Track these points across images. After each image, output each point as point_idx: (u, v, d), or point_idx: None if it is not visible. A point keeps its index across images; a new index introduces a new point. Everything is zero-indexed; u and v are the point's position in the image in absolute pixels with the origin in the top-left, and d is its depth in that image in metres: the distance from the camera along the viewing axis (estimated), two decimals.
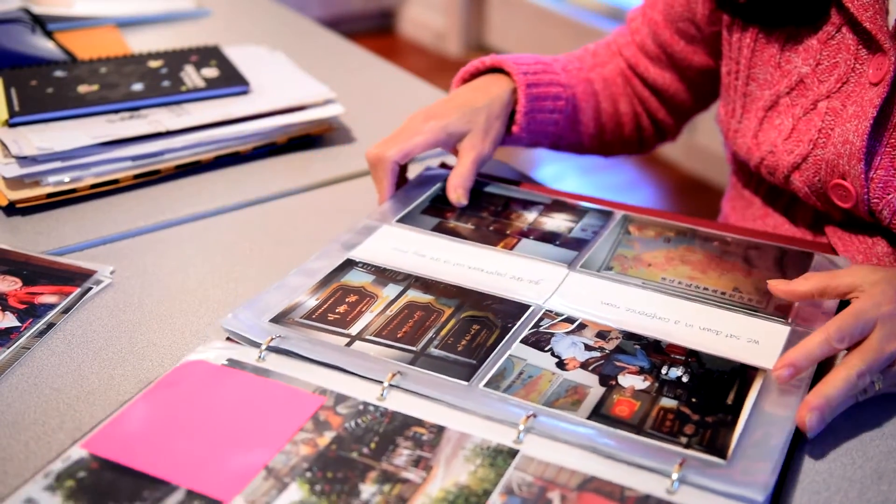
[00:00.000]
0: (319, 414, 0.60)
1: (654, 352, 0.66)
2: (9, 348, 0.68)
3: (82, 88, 1.00)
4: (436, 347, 0.66)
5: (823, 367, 0.63)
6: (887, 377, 0.62)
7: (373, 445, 0.58)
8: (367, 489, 0.55)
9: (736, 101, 0.87)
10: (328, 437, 0.59)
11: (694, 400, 0.61)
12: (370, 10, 3.75)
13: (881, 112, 0.73)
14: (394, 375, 0.63)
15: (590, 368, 0.64)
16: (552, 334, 0.68)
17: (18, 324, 0.71)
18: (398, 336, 0.68)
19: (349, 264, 0.76)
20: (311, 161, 1.01)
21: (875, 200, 0.75)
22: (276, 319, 0.69)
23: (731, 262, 0.76)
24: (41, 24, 1.21)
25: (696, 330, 0.68)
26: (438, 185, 0.88)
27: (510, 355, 0.65)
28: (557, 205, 0.86)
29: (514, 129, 0.89)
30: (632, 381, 0.63)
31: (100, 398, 0.64)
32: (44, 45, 1.16)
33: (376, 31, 3.76)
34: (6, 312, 0.72)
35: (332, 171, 0.99)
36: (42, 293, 0.75)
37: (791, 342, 0.65)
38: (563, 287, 0.73)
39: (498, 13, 3.44)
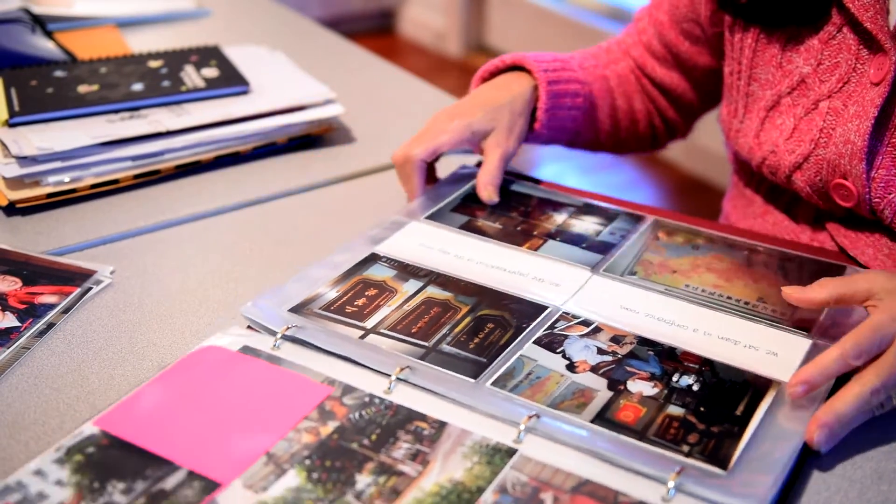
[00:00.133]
0: (325, 404, 0.61)
1: (668, 359, 0.65)
2: (9, 348, 0.68)
3: (82, 88, 1.00)
4: (448, 344, 0.67)
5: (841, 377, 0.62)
6: None
7: (374, 437, 0.59)
8: (363, 480, 0.55)
9: (738, 102, 0.87)
10: (331, 426, 0.59)
11: (702, 409, 0.60)
12: (370, 10, 3.75)
13: (882, 112, 0.73)
14: (402, 369, 0.63)
15: (600, 372, 0.64)
16: (566, 336, 0.67)
17: (18, 324, 0.71)
18: (412, 331, 0.68)
19: (373, 258, 0.77)
20: (311, 161, 1.01)
21: (877, 200, 0.75)
22: (295, 309, 0.70)
23: (760, 272, 0.75)
24: (41, 24, 1.21)
25: (714, 339, 0.67)
26: (470, 183, 0.88)
27: (521, 355, 0.65)
28: (589, 208, 0.85)
29: (536, 125, 0.90)
30: (641, 386, 0.62)
31: (100, 398, 0.64)
32: (44, 45, 1.16)
33: (376, 31, 3.76)
34: (6, 312, 0.72)
35: (332, 171, 0.99)
36: (42, 293, 0.75)
37: (810, 356, 0.64)
38: (583, 290, 0.73)
39: (498, 13, 3.44)
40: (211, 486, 0.55)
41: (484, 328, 0.68)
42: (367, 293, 0.72)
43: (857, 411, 0.58)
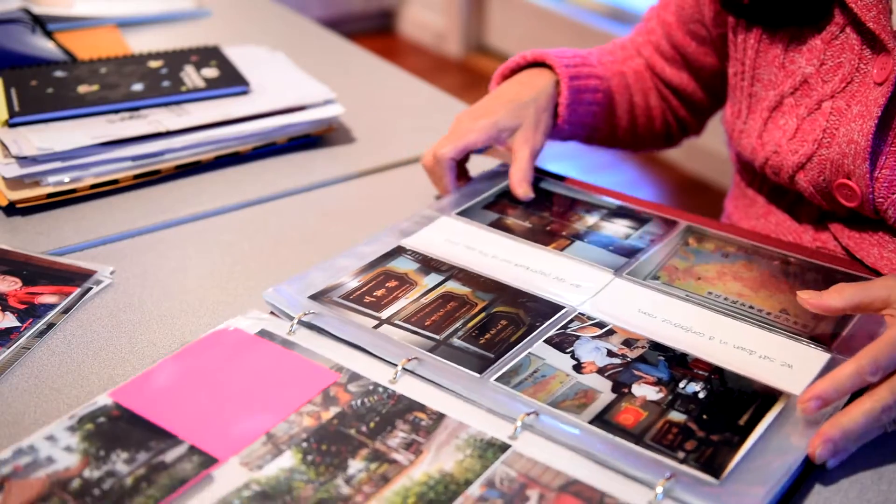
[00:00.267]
0: (330, 389, 0.63)
1: (678, 365, 0.64)
2: (9, 348, 0.68)
3: (82, 88, 1.00)
4: (458, 338, 0.67)
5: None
6: None
7: (372, 425, 0.60)
8: (355, 465, 0.56)
9: (742, 102, 0.87)
10: (333, 412, 0.61)
11: (704, 417, 0.59)
12: (370, 10, 3.75)
13: (886, 112, 0.73)
14: (409, 360, 0.64)
15: (606, 374, 0.63)
16: (577, 337, 0.67)
17: (18, 324, 0.71)
18: (426, 324, 0.69)
19: (399, 251, 0.78)
20: (312, 161, 1.01)
21: (880, 200, 0.75)
22: (315, 296, 0.72)
23: (788, 283, 0.73)
24: (41, 24, 1.21)
25: (730, 348, 0.66)
26: (506, 181, 0.88)
27: (529, 353, 0.65)
28: (622, 211, 0.85)
29: (558, 120, 0.90)
30: (645, 391, 0.62)
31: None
32: (44, 45, 1.16)
33: (376, 31, 3.76)
34: (6, 312, 0.72)
35: (333, 171, 0.99)
36: (42, 293, 0.75)
37: (827, 371, 0.62)
38: (603, 292, 0.73)
39: (498, 13, 3.44)
40: (209, 462, 0.57)
41: (497, 324, 0.69)
42: (387, 284, 0.73)
43: (866, 428, 0.57)
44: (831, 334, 0.67)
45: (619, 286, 0.74)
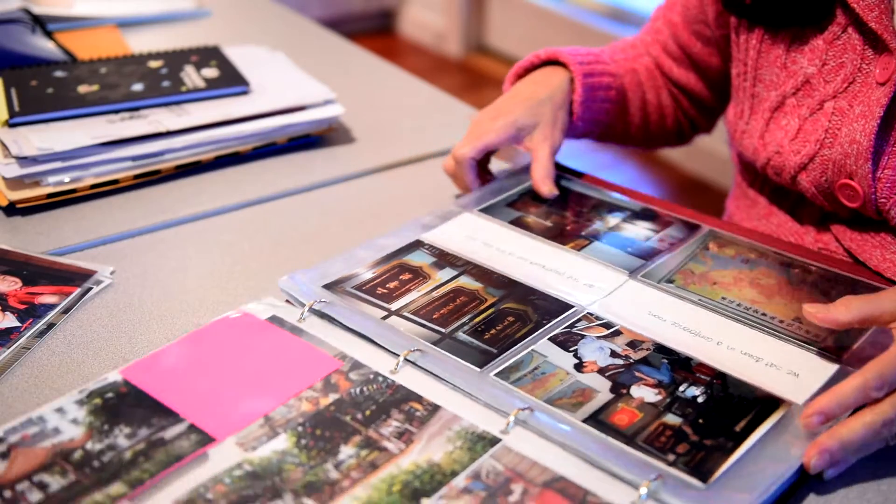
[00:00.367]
0: (332, 377, 0.64)
1: (681, 368, 0.64)
2: (9, 348, 0.68)
3: (82, 88, 1.00)
4: (464, 332, 0.67)
5: None
6: None
7: (368, 413, 0.61)
8: (346, 451, 0.57)
9: (744, 103, 0.87)
10: (331, 398, 0.62)
11: (701, 421, 0.59)
12: (370, 10, 3.75)
13: (888, 111, 0.73)
14: (411, 352, 0.64)
15: (606, 374, 0.63)
16: (582, 336, 0.67)
17: (18, 324, 0.71)
18: (433, 317, 0.69)
19: (417, 245, 0.78)
20: (312, 161, 1.01)
21: (882, 200, 0.75)
22: (329, 286, 0.73)
23: (804, 292, 0.72)
24: (41, 24, 1.21)
25: (736, 354, 0.65)
26: (530, 180, 0.88)
27: (532, 350, 0.65)
28: (646, 213, 0.84)
29: (573, 118, 0.90)
30: (644, 392, 0.61)
31: None
32: (44, 45, 1.15)
33: (376, 31, 3.76)
34: (6, 312, 0.72)
35: (333, 171, 0.99)
36: (42, 293, 0.75)
37: (834, 381, 0.61)
38: (615, 293, 0.72)
39: (498, 13, 3.44)
40: (206, 440, 0.58)
41: (504, 320, 0.69)
42: (401, 277, 0.74)
43: (864, 440, 0.56)
44: (843, 345, 0.65)
45: (632, 288, 0.73)
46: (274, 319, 0.70)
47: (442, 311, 0.70)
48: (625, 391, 0.62)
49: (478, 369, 0.64)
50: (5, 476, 0.55)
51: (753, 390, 0.62)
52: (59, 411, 0.60)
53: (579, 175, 0.91)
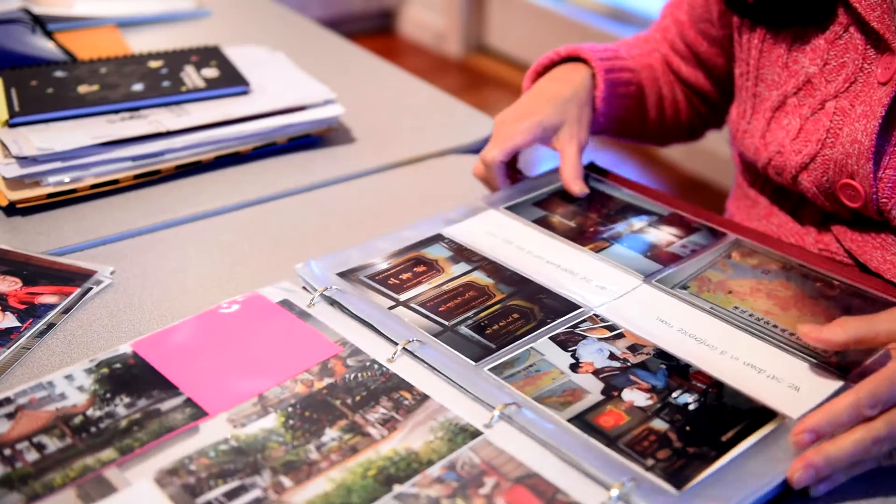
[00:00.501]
0: (329, 361, 0.65)
1: (677, 375, 0.63)
2: (9, 348, 0.68)
3: (82, 88, 1.00)
4: (466, 327, 0.68)
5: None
6: None
7: (358, 398, 0.62)
8: (330, 434, 0.59)
9: (747, 102, 0.87)
10: (325, 382, 0.63)
11: (688, 429, 0.58)
12: (370, 10, 3.75)
13: (890, 111, 0.73)
14: (410, 342, 0.65)
15: (600, 376, 0.63)
16: (584, 337, 0.67)
17: (18, 324, 0.71)
18: (439, 310, 0.70)
19: (437, 238, 0.79)
20: (312, 161, 1.01)
21: (884, 200, 0.75)
22: (344, 274, 0.74)
23: (823, 306, 0.70)
24: (41, 24, 1.21)
25: (739, 364, 0.64)
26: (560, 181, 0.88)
27: (531, 347, 0.65)
28: (672, 218, 0.83)
29: (595, 114, 0.90)
30: (635, 396, 0.61)
31: None
32: (44, 45, 1.15)
33: (376, 31, 3.76)
34: (6, 312, 0.72)
35: (333, 171, 0.98)
36: (42, 293, 0.75)
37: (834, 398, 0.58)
38: (626, 297, 0.72)
39: (498, 13, 3.44)
40: (199, 414, 0.60)
41: (508, 317, 0.69)
42: (415, 269, 0.75)
43: (853, 458, 0.54)
44: (852, 361, 0.64)
45: (645, 292, 0.73)
46: (284, 303, 0.72)
47: (449, 305, 0.70)
48: (616, 394, 0.61)
49: (473, 363, 0.64)
50: (8, 435, 0.58)
51: (749, 401, 0.61)
52: (69, 378, 0.63)
53: (605, 173, 0.91)
